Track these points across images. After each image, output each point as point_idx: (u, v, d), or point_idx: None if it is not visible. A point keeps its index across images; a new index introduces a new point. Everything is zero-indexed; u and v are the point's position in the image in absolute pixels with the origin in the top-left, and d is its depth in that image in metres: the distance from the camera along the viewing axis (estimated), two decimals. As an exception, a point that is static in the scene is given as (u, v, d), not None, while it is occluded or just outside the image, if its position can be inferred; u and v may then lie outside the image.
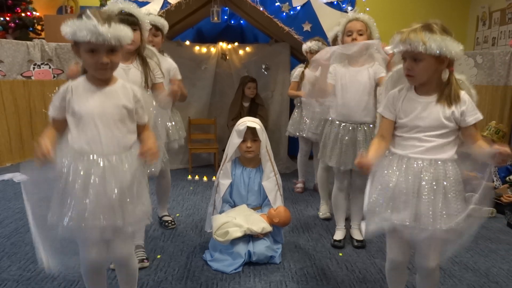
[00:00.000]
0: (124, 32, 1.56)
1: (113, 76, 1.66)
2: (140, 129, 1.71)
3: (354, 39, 2.50)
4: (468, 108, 1.60)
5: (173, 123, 2.85)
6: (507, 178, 3.41)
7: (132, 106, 1.64)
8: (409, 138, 1.65)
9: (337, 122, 2.59)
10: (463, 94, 1.63)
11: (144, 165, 1.67)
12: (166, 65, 2.62)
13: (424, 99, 1.64)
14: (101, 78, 1.61)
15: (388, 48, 1.54)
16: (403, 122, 1.67)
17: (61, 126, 1.62)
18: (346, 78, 2.54)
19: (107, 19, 1.50)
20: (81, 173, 1.55)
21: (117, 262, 1.84)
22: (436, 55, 1.53)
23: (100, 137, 1.57)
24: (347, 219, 2.96)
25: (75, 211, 1.53)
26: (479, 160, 1.59)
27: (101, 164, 1.56)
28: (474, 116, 1.61)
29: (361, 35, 2.50)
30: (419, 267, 1.75)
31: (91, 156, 1.56)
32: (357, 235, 2.75)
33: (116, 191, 1.55)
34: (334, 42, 3.06)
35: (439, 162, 1.60)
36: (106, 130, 1.58)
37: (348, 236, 2.82)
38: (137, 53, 2.29)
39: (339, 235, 2.79)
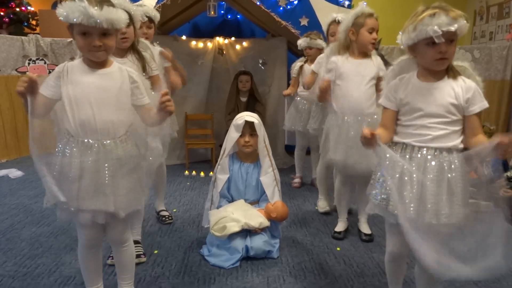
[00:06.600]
0: (118, 16, 1.53)
1: (109, 59, 1.64)
2: (143, 111, 1.68)
3: (374, 39, 2.48)
4: (474, 95, 1.54)
5: None
6: (505, 174, 3.39)
7: (128, 88, 1.62)
8: (414, 125, 1.59)
9: (341, 115, 2.53)
10: (469, 81, 1.57)
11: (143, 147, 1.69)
12: (157, 55, 2.64)
13: (430, 84, 1.58)
14: (95, 61, 1.59)
15: (432, 29, 1.44)
16: (408, 109, 1.61)
17: (48, 105, 1.57)
18: (348, 69, 2.53)
19: (100, 2, 1.48)
20: (75, 156, 1.54)
21: (114, 247, 1.85)
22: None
23: (95, 120, 1.56)
24: (350, 213, 2.97)
25: (68, 195, 1.54)
26: (479, 158, 1.50)
27: (95, 148, 1.56)
28: (479, 104, 1.54)
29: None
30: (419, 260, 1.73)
31: (85, 139, 1.56)
32: (365, 229, 2.75)
33: (108, 176, 1.55)
34: (328, 31, 3.06)
35: (444, 153, 1.54)
36: (101, 113, 1.56)
37: (356, 230, 2.83)
38: (132, 48, 2.28)
39: (340, 227, 2.81)
